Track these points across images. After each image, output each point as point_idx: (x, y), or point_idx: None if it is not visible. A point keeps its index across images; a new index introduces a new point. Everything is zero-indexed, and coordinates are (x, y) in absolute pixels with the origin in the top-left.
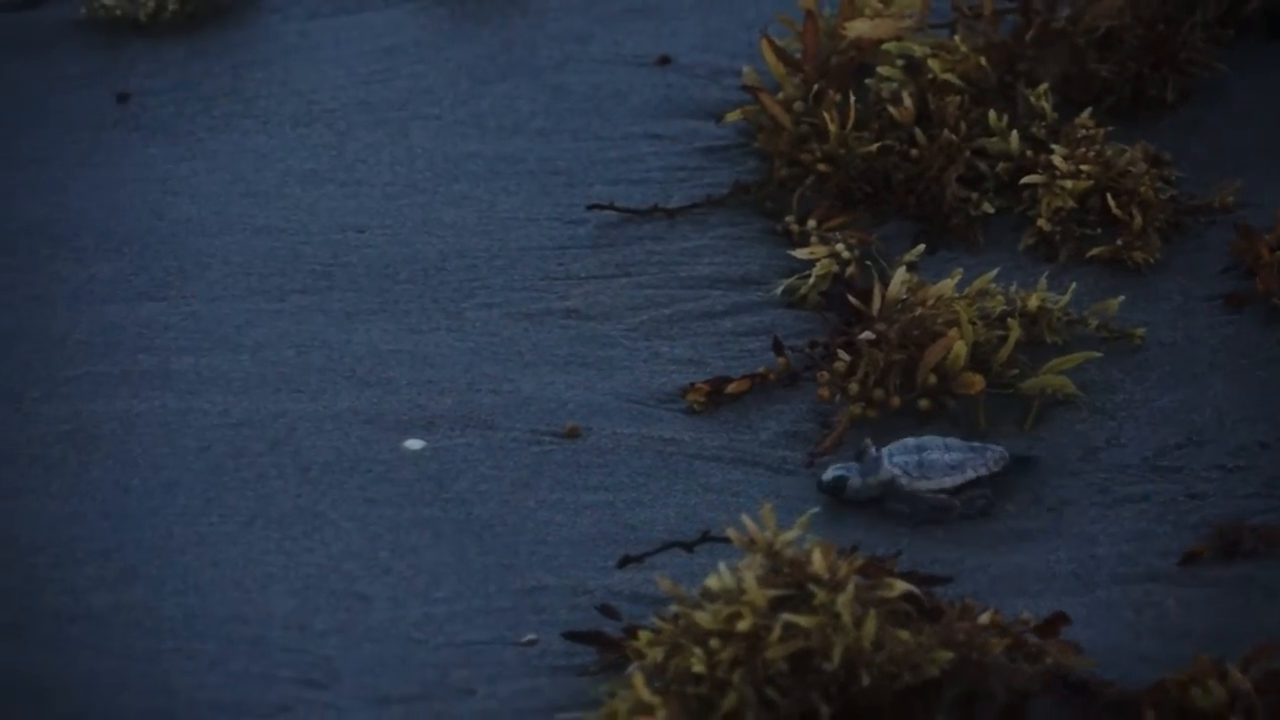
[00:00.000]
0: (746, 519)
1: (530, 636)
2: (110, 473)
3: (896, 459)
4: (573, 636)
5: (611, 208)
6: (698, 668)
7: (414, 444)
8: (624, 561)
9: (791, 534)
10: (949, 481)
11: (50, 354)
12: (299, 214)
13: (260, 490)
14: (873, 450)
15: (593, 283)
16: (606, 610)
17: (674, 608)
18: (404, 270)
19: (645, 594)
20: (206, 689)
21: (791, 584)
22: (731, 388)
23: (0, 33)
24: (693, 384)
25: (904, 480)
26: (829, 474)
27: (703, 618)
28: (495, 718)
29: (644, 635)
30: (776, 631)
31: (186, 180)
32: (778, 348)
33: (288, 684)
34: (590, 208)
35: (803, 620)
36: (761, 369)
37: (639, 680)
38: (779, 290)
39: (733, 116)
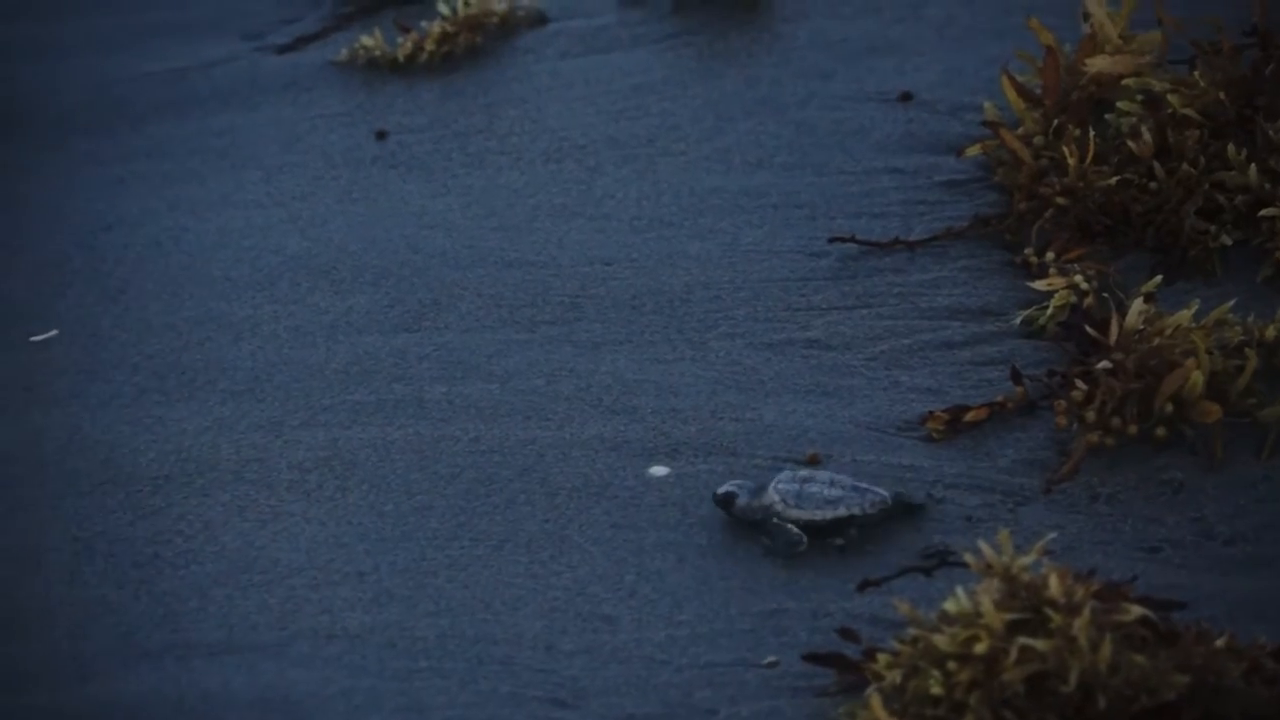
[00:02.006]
0: (984, 544)
1: (771, 658)
2: (366, 498)
3: (781, 486)
4: (813, 658)
5: (853, 240)
6: (935, 690)
7: (658, 470)
8: (863, 585)
9: (1028, 559)
10: (819, 514)
11: (309, 383)
12: (549, 247)
13: (509, 515)
14: (779, 475)
15: (834, 313)
16: (846, 633)
17: (912, 631)
18: (650, 301)
19: (884, 617)
20: (457, 708)
21: (1028, 608)
22: (970, 416)
23: (266, 73)
24: (932, 412)
25: (780, 506)
26: (723, 488)
27: (941, 640)
28: None
29: (883, 657)
30: (1013, 654)
31: (441, 215)
32: (1016, 377)
33: (536, 704)
34: (832, 240)
35: (1039, 643)
36: (1000, 398)
37: (877, 702)
38: (1017, 321)
39: (973, 151)
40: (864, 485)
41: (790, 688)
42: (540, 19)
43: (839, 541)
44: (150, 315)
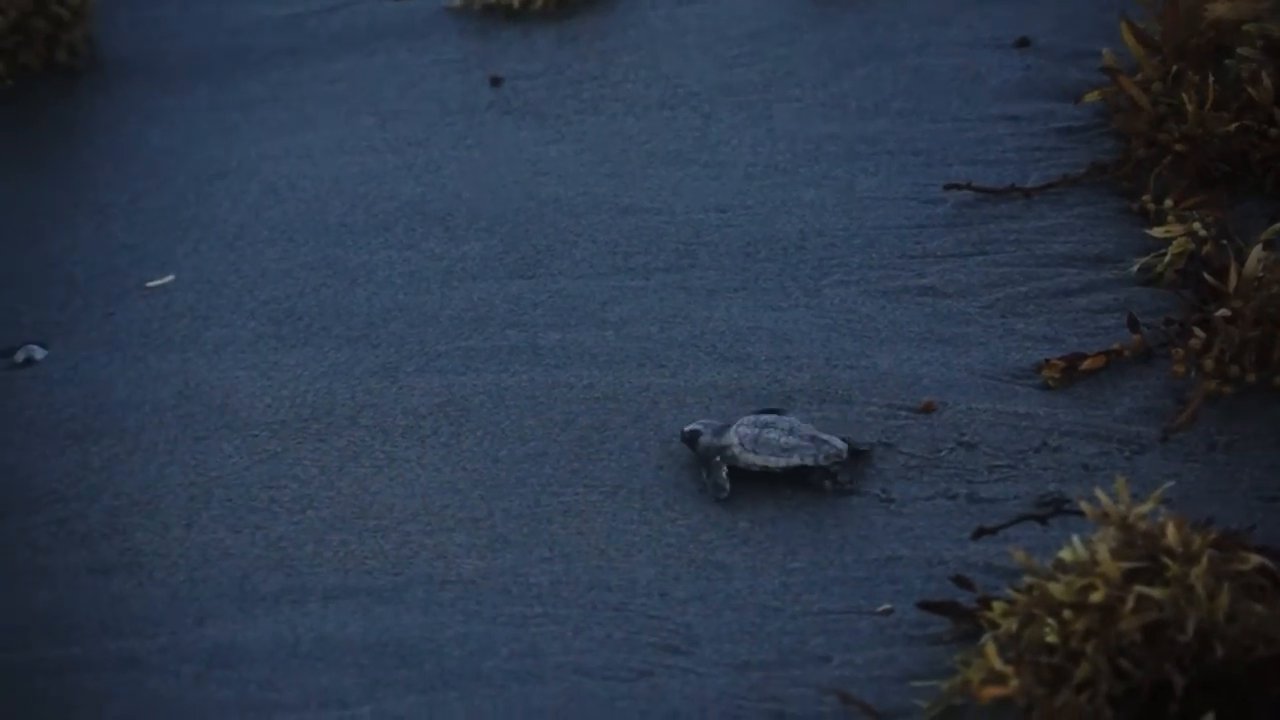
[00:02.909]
0: (1100, 492)
1: (885, 606)
2: (481, 444)
3: (741, 429)
4: (927, 606)
5: (969, 187)
6: (1051, 638)
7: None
8: (978, 533)
9: (1145, 507)
10: (774, 461)
11: (424, 329)
12: (663, 194)
13: (623, 462)
14: (740, 419)
15: (949, 260)
16: (961, 581)
17: (1027, 579)
18: (764, 249)
19: (999, 565)
20: (572, 653)
21: (1145, 556)
22: (1086, 364)
23: (382, 19)
24: (1048, 360)
25: (737, 450)
26: (689, 427)
27: (1056, 589)
28: (851, 685)
29: (998, 606)
30: (1130, 603)
31: (556, 161)
32: (1133, 324)
33: (649, 650)
34: (948, 187)
35: (1156, 592)
36: (1116, 345)
37: (992, 650)
38: (1134, 268)
39: (1091, 97)
40: (823, 436)
41: (904, 635)
42: None
43: (833, 484)
44: (266, 261)
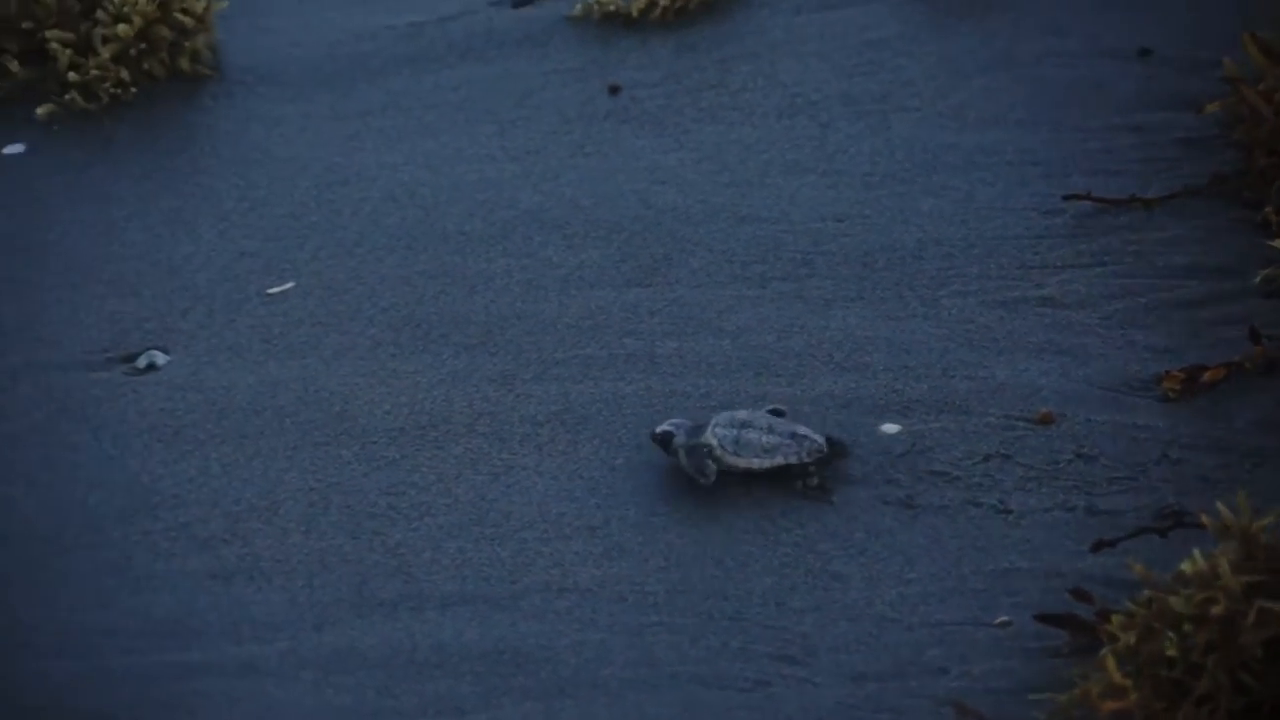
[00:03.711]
0: (1221, 505)
1: (1003, 618)
2: (598, 452)
3: (719, 430)
4: (1046, 619)
5: (1089, 198)
6: (1171, 651)
7: (890, 428)
8: (1097, 546)
9: (1266, 520)
10: (758, 463)
11: (542, 337)
12: (781, 203)
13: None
14: (715, 419)
15: (1068, 271)
16: (1079, 594)
17: (1147, 592)
18: (882, 258)
19: (1118, 578)
20: (687, 662)
21: (1267, 570)
22: (1207, 376)
23: (502, 29)
24: (1168, 371)
25: (719, 452)
26: (661, 427)
27: (1176, 602)
28: (967, 697)
29: (1116, 619)
30: (1251, 617)
31: (673, 170)
32: (1255, 336)
33: (765, 659)
34: (1067, 198)
35: (1278, 606)
36: (1238, 357)
37: (1111, 663)
38: (1256, 280)
39: (1212, 108)
40: (802, 431)
41: (1022, 648)
42: None
43: (808, 483)
44: (385, 268)
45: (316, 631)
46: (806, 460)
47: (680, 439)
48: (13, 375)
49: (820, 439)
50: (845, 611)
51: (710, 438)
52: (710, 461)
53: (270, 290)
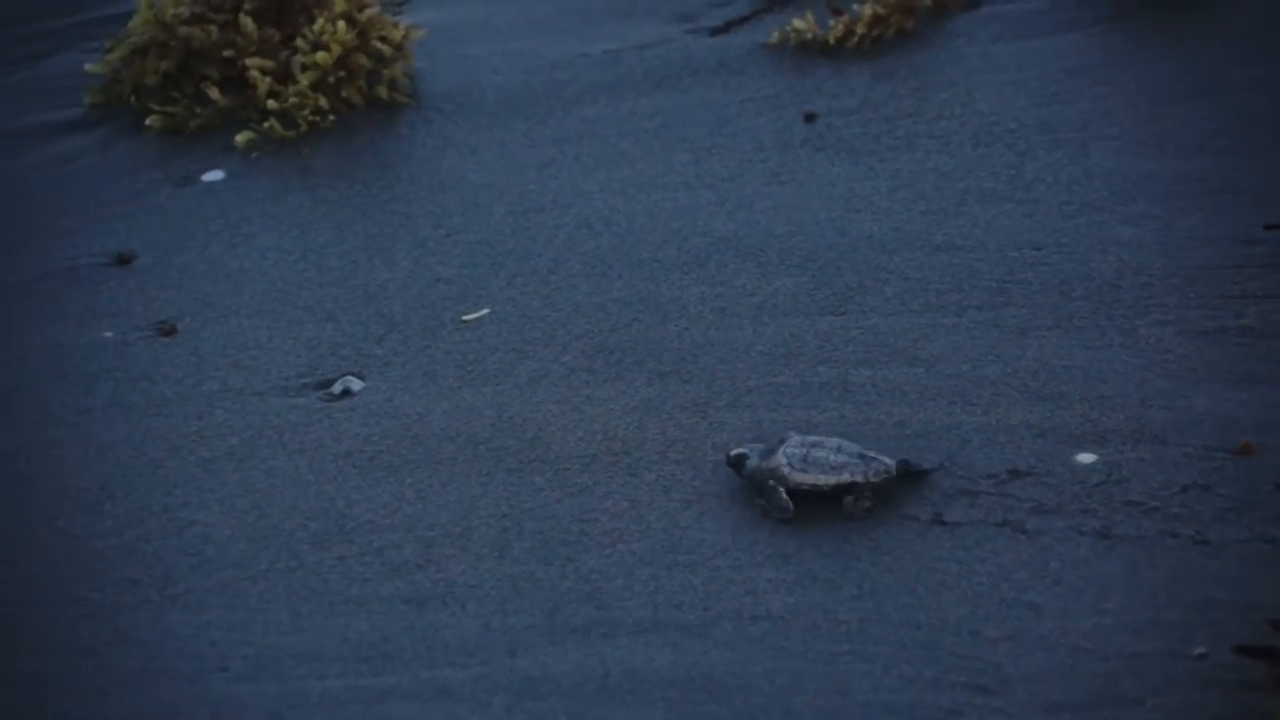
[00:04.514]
0: None
1: (1200, 650)
2: None
3: (789, 450)
4: (1244, 651)
5: None
6: None
7: (1086, 457)
8: None
9: None
10: (823, 479)
11: (735, 365)
12: (977, 231)
13: (934, 499)
14: (788, 439)
15: (1269, 301)
16: (1278, 625)
17: None
18: (1078, 287)
19: None
20: (880, 691)
21: None
22: None
23: (698, 56)
24: None
25: (786, 470)
26: (735, 450)
27: None
28: None
29: None
30: None
31: (868, 198)
32: None
33: (959, 689)
34: (1268, 227)
35: None
36: None
37: None
38: None
39: None
40: (870, 454)
41: (1219, 680)
42: (973, 3)
43: (850, 505)
44: (579, 295)
45: (509, 657)
46: (873, 480)
47: (754, 461)
48: (210, 401)
49: (890, 462)
50: (1040, 642)
51: (779, 457)
52: (780, 492)
53: (465, 317)
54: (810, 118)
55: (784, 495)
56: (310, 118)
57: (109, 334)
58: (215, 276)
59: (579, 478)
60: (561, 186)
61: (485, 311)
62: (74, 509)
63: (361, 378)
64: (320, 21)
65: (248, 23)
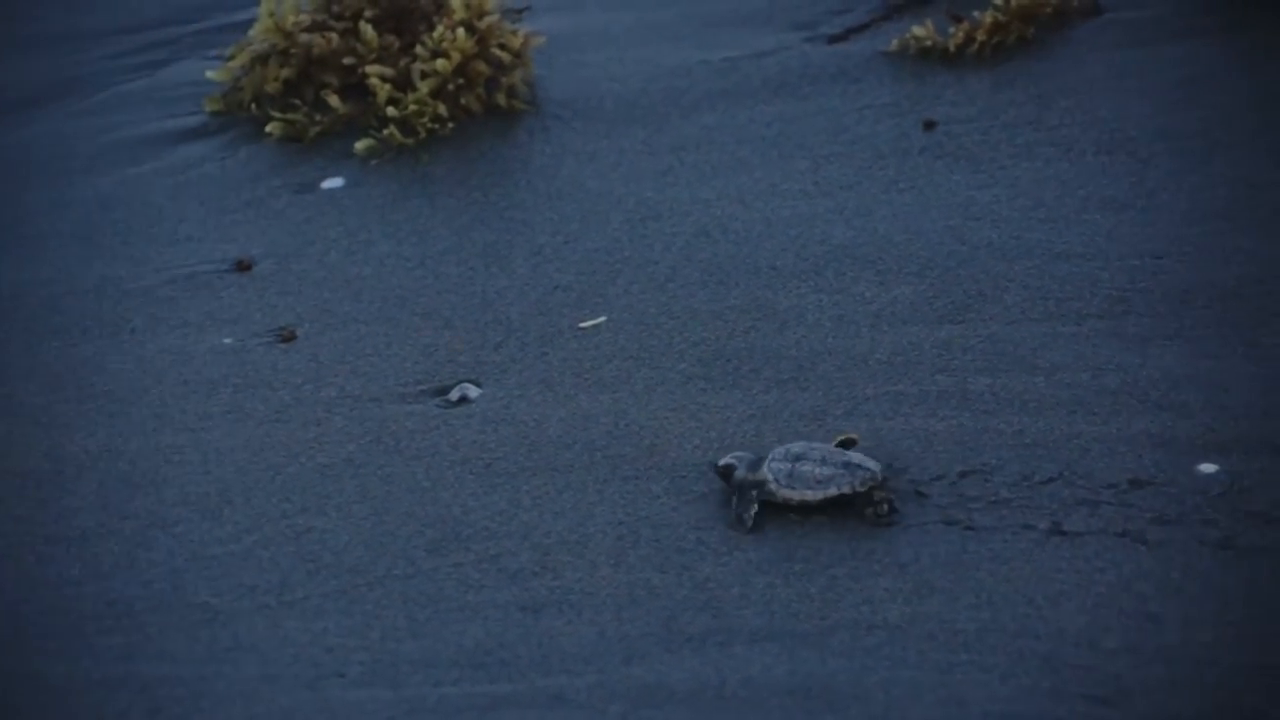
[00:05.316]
0: None
1: None
2: (909, 488)
3: (774, 465)
4: None
5: None
6: None
7: (1207, 467)
8: None
9: None
10: (811, 495)
11: (852, 373)
12: (1097, 239)
13: (1050, 507)
14: (772, 454)
15: None
16: None
17: None
18: (1200, 296)
19: None
20: (998, 702)
21: None
22: None
23: (816, 64)
24: None
25: (773, 486)
26: (724, 460)
27: None
28: None
29: None
30: None
31: (988, 206)
32: None
33: (1078, 700)
34: None
35: None
36: None
37: None
38: None
39: None
40: (855, 461)
41: None
42: (1094, 9)
43: (871, 516)
44: (696, 303)
45: (625, 665)
46: (860, 489)
47: (741, 472)
48: (328, 407)
49: (874, 466)
50: (1160, 653)
51: (766, 473)
52: (754, 505)
53: (582, 324)
54: (929, 125)
55: (753, 509)
56: (429, 125)
57: (229, 340)
58: (334, 283)
59: (695, 485)
60: (679, 194)
61: (602, 319)
62: (193, 515)
63: (479, 384)
64: (440, 29)
65: (368, 30)
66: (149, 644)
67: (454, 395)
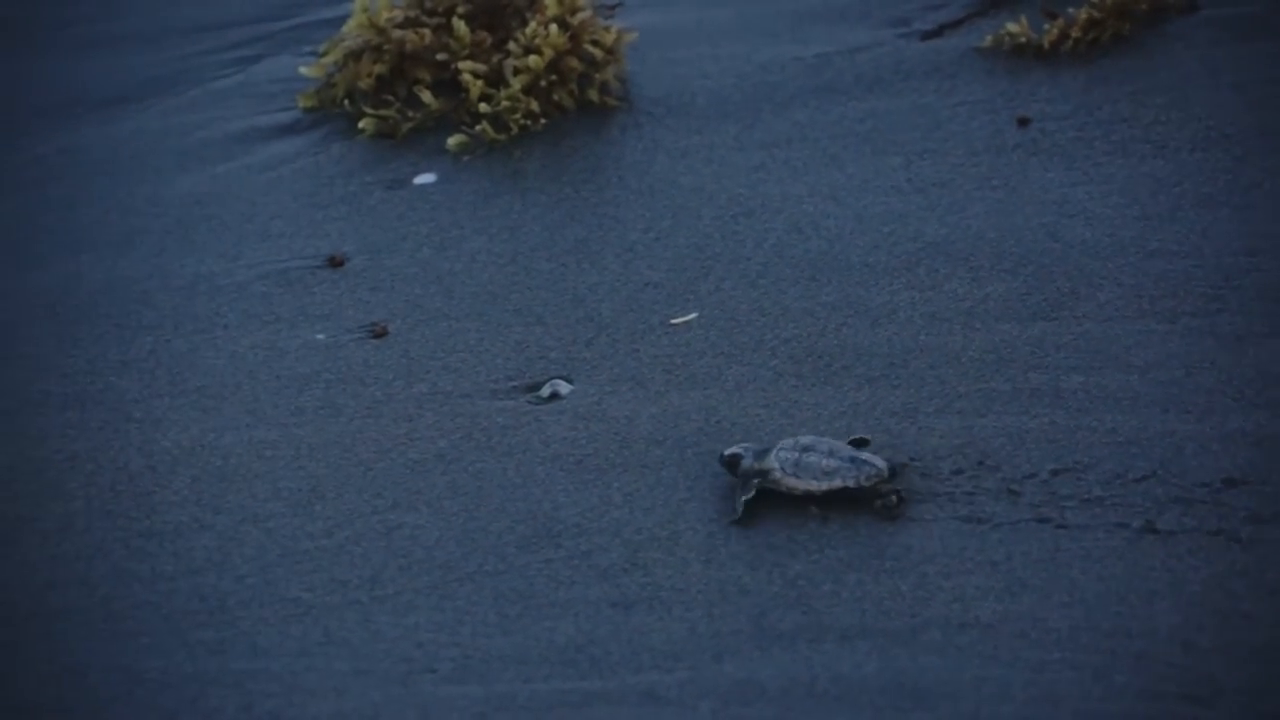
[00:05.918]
0: None
1: None
2: (1000, 487)
3: (781, 454)
4: None
5: None
6: None
7: None
8: None
9: None
10: (815, 485)
11: (944, 370)
12: (1192, 237)
13: (1146, 506)
14: (780, 443)
15: None
16: None
17: None
18: None
19: None
20: (1090, 701)
21: None
22: None
23: (909, 59)
24: None
25: (779, 475)
26: (730, 450)
27: None
28: None
29: None
30: None
31: (1082, 203)
32: None
33: (1171, 700)
34: None
35: None
36: None
37: None
38: None
39: None
40: (863, 457)
41: None
42: (1190, 6)
43: (880, 508)
44: (788, 300)
45: (716, 661)
46: (865, 484)
47: (748, 461)
48: (419, 403)
49: (882, 465)
50: (1255, 653)
51: (772, 460)
52: (750, 493)
53: (673, 320)
54: (1023, 122)
55: (743, 500)
56: (521, 121)
57: (321, 336)
58: (426, 279)
59: None
60: (771, 190)
61: (694, 315)
62: (285, 510)
63: (570, 381)
64: (533, 25)
65: (461, 26)
66: (241, 639)
67: (545, 391)
